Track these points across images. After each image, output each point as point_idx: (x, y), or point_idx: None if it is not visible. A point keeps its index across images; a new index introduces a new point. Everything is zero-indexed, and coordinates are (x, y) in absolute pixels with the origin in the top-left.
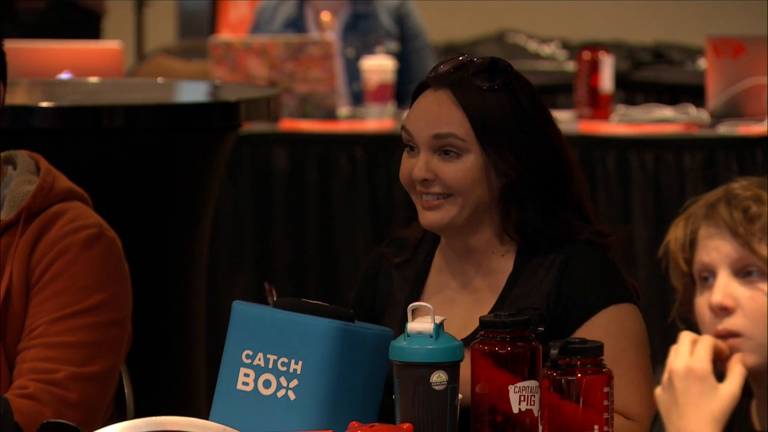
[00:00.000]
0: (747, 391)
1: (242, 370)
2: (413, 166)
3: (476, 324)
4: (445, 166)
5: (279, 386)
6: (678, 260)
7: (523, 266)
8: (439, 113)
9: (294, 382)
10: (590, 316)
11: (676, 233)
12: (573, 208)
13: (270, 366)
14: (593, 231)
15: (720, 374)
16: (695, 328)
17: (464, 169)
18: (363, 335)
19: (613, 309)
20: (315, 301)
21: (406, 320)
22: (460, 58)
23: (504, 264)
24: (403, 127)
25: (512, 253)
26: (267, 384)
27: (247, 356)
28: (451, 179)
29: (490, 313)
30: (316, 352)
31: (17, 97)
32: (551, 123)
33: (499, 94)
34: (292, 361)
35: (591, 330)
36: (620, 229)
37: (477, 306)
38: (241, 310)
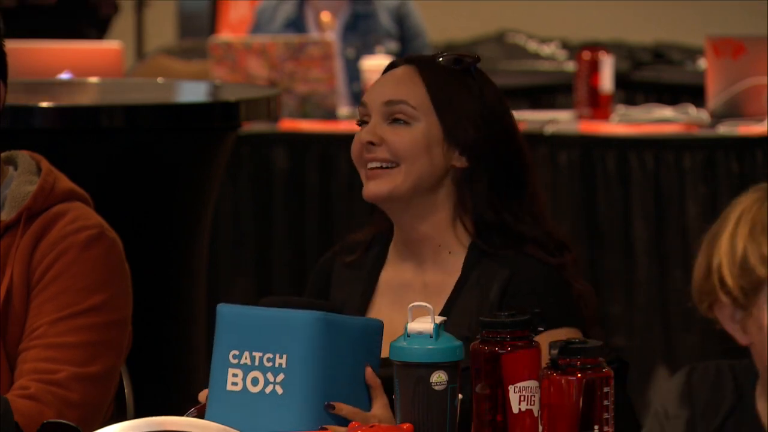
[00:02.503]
0: (752, 385)
1: (230, 371)
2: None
3: None
4: (392, 131)
5: (266, 382)
6: (728, 276)
7: (470, 270)
8: (396, 82)
9: (280, 377)
10: None
11: (730, 247)
12: (528, 206)
13: (256, 363)
14: (542, 241)
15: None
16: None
17: (411, 136)
18: (346, 325)
19: (550, 333)
20: (300, 297)
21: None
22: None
23: (453, 264)
24: (359, 103)
25: (461, 253)
26: (255, 381)
27: (234, 356)
28: (395, 144)
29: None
30: (299, 343)
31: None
32: (513, 120)
33: (464, 77)
34: (277, 356)
35: None
36: (565, 234)
37: (428, 301)
38: (225, 312)
